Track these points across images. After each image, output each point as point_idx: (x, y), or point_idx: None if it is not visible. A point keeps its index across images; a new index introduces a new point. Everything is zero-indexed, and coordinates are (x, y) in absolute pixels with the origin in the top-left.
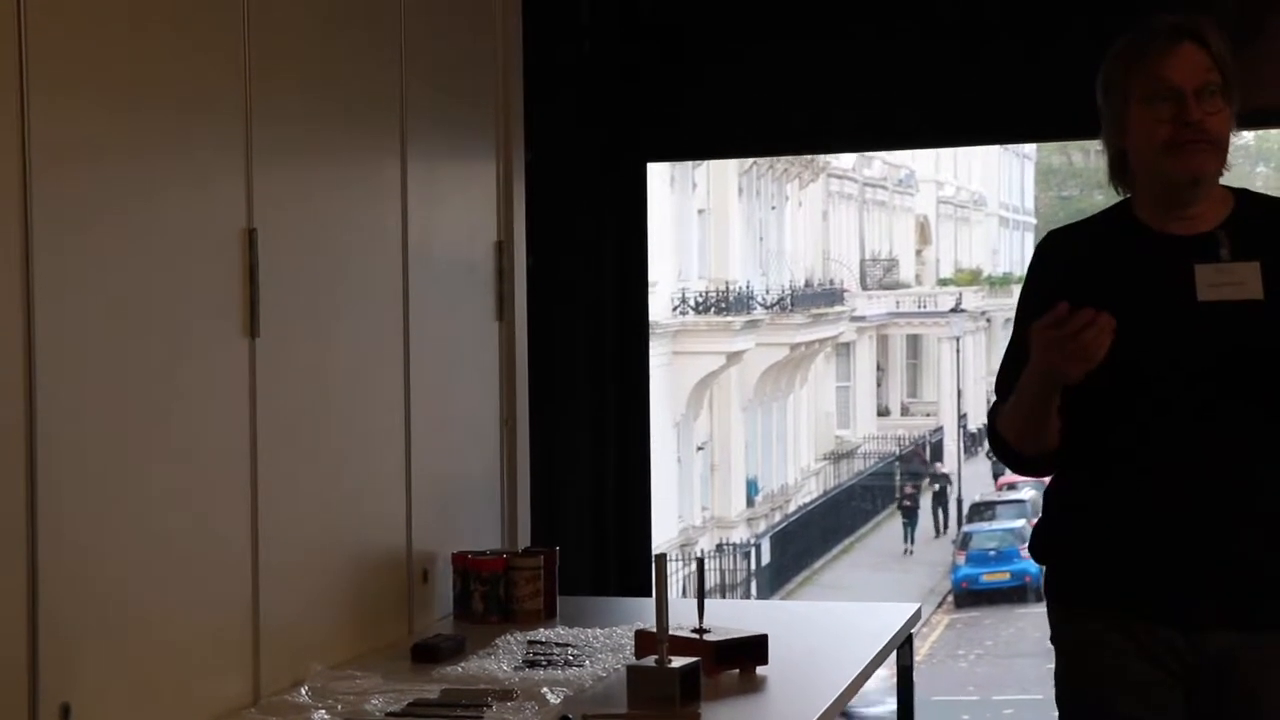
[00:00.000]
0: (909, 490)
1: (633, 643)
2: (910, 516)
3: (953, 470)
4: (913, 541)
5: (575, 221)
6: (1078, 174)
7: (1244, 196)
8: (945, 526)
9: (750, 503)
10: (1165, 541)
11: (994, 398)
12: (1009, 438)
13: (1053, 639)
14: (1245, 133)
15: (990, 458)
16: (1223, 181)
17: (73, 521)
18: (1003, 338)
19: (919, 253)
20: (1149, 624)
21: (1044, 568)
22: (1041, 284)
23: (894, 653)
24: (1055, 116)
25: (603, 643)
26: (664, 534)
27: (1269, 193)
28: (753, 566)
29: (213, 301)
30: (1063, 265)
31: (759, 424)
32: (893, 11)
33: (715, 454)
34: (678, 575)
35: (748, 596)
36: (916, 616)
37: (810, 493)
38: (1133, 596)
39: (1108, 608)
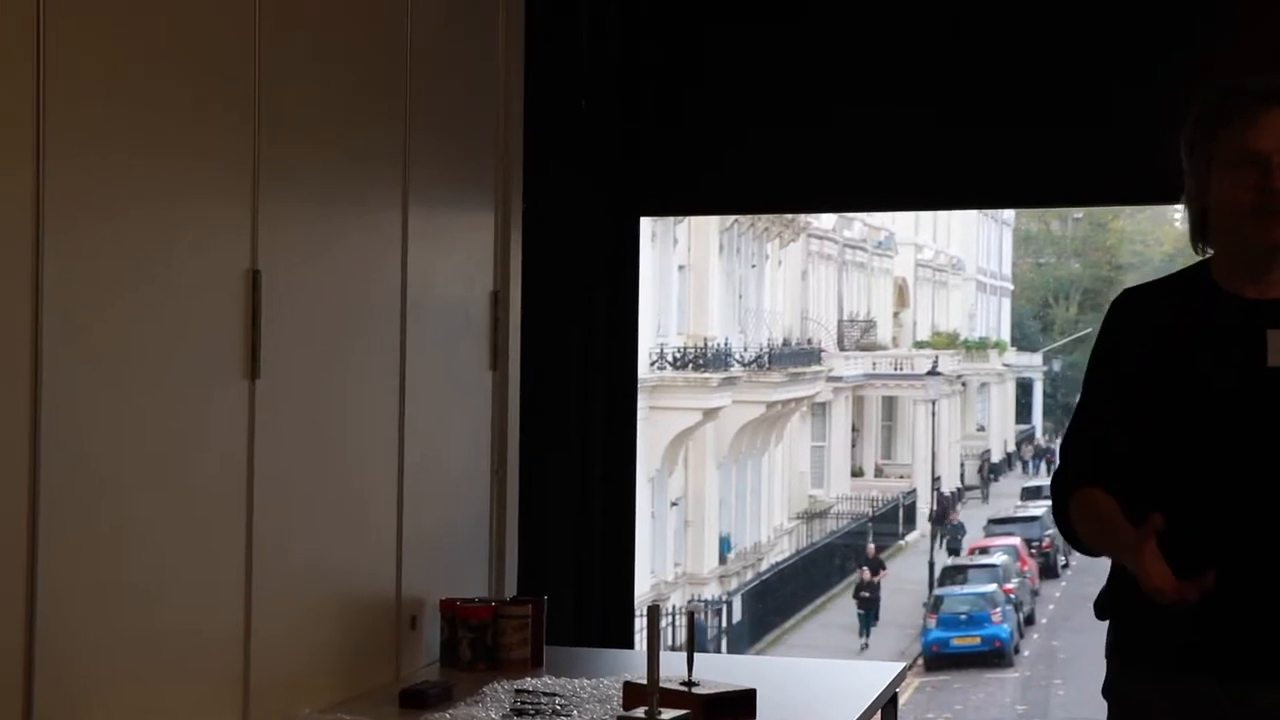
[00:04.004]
0: (867, 578)
1: (620, 694)
2: (868, 607)
3: (925, 532)
4: (868, 634)
5: (566, 273)
6: (1055, 241)
7: None
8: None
9: (723, 560)
10: (1219, 603)
11: (1058, 465)
12: (1080, 533)
13: (1105, 692)
14: None
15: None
16: None
17: (70, 559)
18: (978, 402)
19: (896, 315)
20: (1196, 679)
21: (1107, 624)
22: (1114, 346)
23: (879, 711)
24: (1034, 183)
25: (590, 693)
26: (636, 589)
27: None
28: (724, 624)
29: (215, 342)
30: (1132, 330)
31: (733, 481)
32: (879, 77)
33: (689, 510)
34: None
35: (718, 654)
36: (902, 675)
37: (783, 551)
38: (1183, 653)
39: (1159, 664)
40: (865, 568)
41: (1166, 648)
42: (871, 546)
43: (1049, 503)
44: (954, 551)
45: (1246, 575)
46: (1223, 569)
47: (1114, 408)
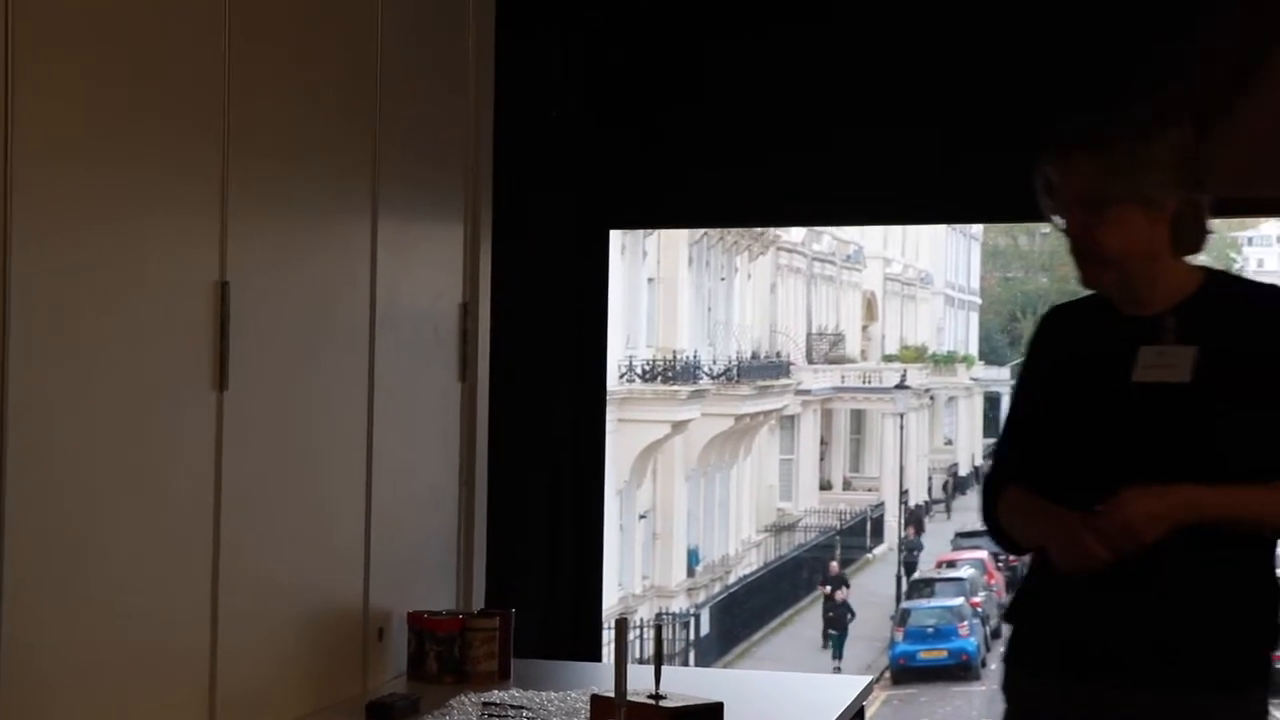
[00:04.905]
0: (840, 598)
1: (587, 707)
2: (839, 628)
3: (893, 546)
4: (841, 655)
5: (536, 285)
6: (1023, 255)
7: (1216, 279)
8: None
9: (691, 573)
10: (1083, 608)
11: (989, 466)
12: (1007, 525)
13: (1002, 689)
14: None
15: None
16: (1205, 262)
17: (35, 571)
18: (946, 415)
19: (865, 328)
20: (1077, 678)
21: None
22: (1033, 358)
23: None
24: (1002, 199)
25: (557, 706)
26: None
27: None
28: (691, 636)
29: (183, 354)
30: (1047, 343)
31: (701, 494)
32: (851, 93)
33: (657, 523)
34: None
35: (686, 666)
36: (869, 689)
37: (751, 564)
38: (1064, 651)
39: (1043, 663)
40: (828, 585)
41: (1051, 646)
42: (834, 564)
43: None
44: (910, 569)
45: (1113, 579)
46: (1096, 573)
47: (1023, 416)
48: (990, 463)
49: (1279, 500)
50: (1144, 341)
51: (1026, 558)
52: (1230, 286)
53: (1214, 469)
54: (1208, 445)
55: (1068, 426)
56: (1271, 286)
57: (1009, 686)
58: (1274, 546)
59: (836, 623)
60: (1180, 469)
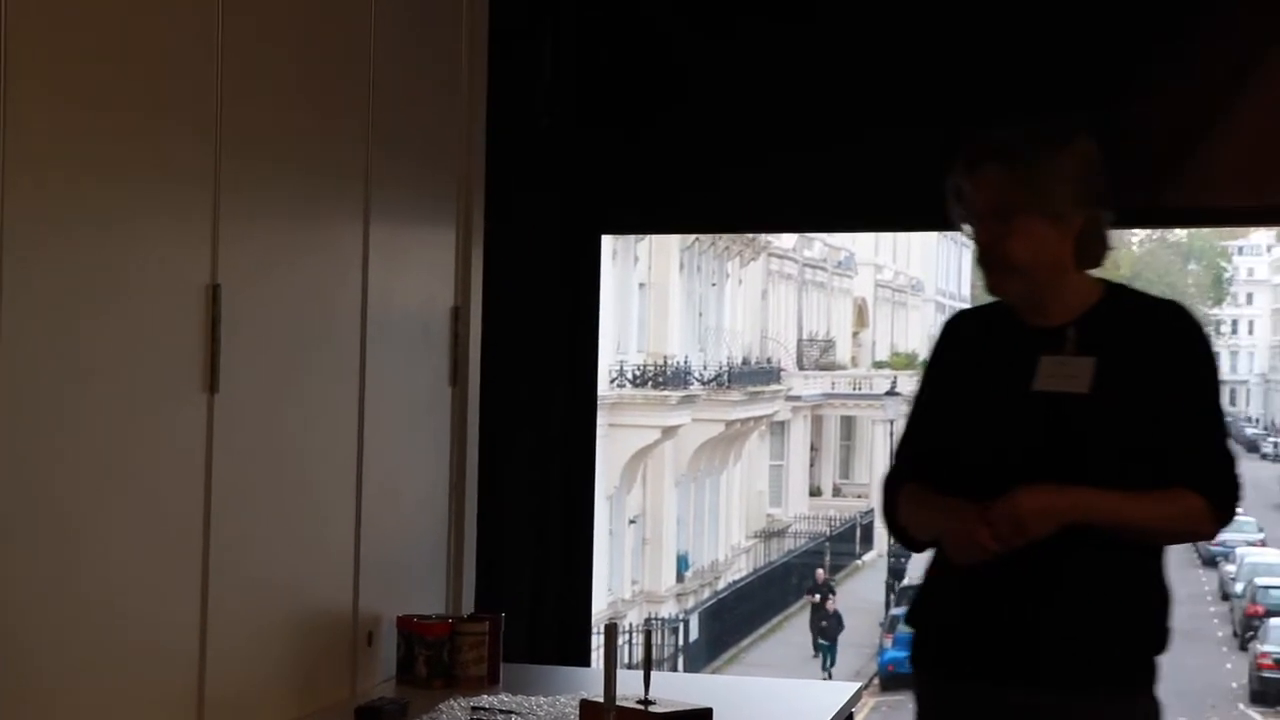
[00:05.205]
0: (831, 608)
1: (577, 711)
2: (830, 638)
3: (883, 552)
4: (833, 664)
5: (527, 289)
6: None
7: (1115, 292)
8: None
9: (680, 578)
10: (977, 609)
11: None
12: (904, 517)
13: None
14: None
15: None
16: (1102, 275)
17: (24, 574)
18: None
19: (856, 335)
20: (973, 681)
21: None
22: (935, 361)
23: None
24: None
25: (546, 710)
26: (594, 606)
27: (1160, 291)
28: (680, 642)
29: (175, 356)
30: (951, 347)
31: (691, 499)
32: (842, 97)
33: (647, 528)
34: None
35: (674, 672)
36: (858, 695)
37: (740, 570)
38: (961, 657)
39: (943, 667)
40: (816, 594)
41: (952, 649)
42: (821, 572)
43: None
44: (899, 575)
45: (1001, 582)
46: (985, 575)
47: (925, 417)
48: (892, 461)
49: (1165, 508)
50: (1046, 351)
51: None
52: (1128, 300)
53: (1107, 477)
54: (1103, 454)
55: (969, 431)
56: (1168, 301)
57: (917, 689)
58: (1164, 552)
59: (828, 633)
60: (1075, 476)
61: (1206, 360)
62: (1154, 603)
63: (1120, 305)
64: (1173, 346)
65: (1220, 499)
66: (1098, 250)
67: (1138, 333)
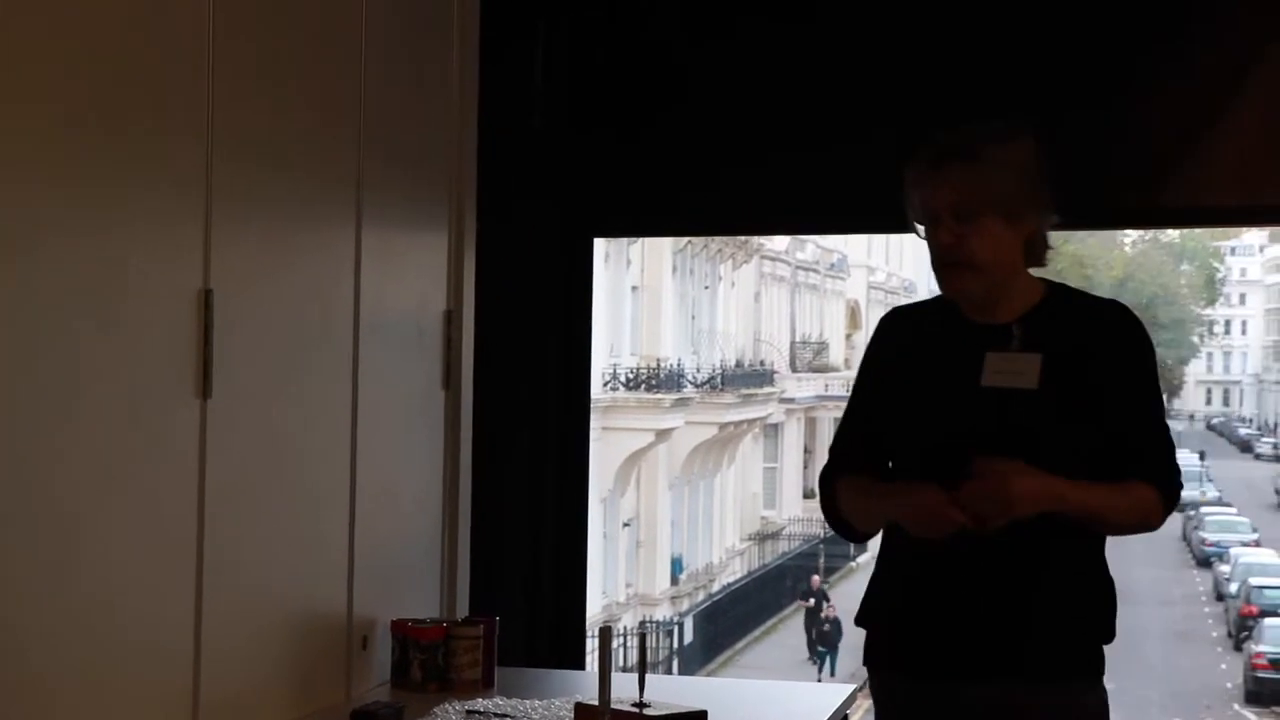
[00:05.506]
0: (829, 614)
1: (572, 715)
2: (828, 644)
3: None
4: (833, 673)
5: (520, 293)
6: None
7: (1057, 292)
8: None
9: (675, 581)
10: (938, 604)
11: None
12: (852, 522)
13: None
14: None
15: None
16: (1045, 274)
17: (19, 578)
18: None
19: (849, 337)
20: (929, 676)
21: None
22: (872, 356)
23: None
24: None
25: (541, 714)
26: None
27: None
28: (675, 645)
29: (168, 361)
30: (890, 343)
31: (685, 502)
32: (835, 100)
33: (641, 531)
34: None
35: (669, 674)
36: (853, 697)
37: (735, 572)
38: (912, 653)
39: (896, 665)
40: (811, 599)
41: (903, 646)
42: (816, 578)
43: None
44: None
45: (948, 577)
46: (930, 571)
47: (865, 411)
48: (829, 456)
49: (1123, 499)
50: (991, 348)
51: None
52: (1070, 299)
53: (1057, 470)
54: (1053, 447)
55: (914, 427)
56: (1109, 300)
57: (873, 688)
58: (1103, 541)
59: (828, 639)
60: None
61: (1148, 355)
62: (1100, 592)
63: (1062, 304)
64: (1115, 343)
65: (1169, 490)
66: (1042, 250)
67: (1080, 330)
